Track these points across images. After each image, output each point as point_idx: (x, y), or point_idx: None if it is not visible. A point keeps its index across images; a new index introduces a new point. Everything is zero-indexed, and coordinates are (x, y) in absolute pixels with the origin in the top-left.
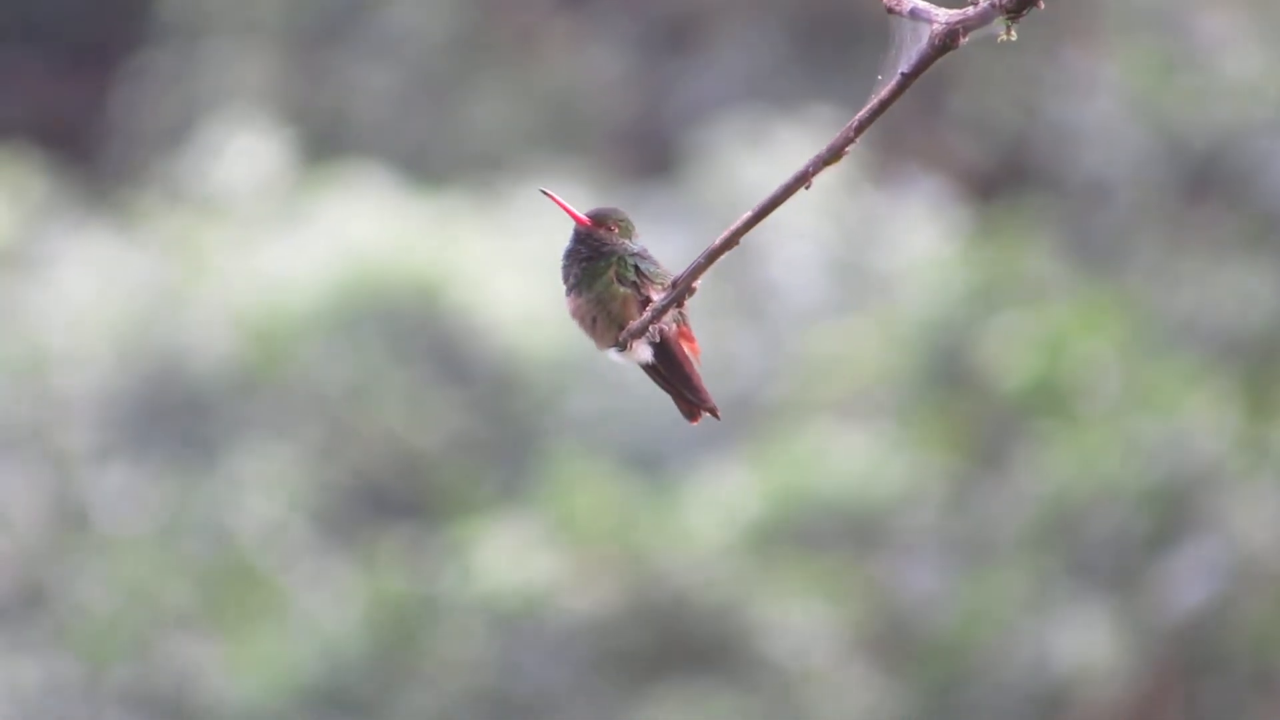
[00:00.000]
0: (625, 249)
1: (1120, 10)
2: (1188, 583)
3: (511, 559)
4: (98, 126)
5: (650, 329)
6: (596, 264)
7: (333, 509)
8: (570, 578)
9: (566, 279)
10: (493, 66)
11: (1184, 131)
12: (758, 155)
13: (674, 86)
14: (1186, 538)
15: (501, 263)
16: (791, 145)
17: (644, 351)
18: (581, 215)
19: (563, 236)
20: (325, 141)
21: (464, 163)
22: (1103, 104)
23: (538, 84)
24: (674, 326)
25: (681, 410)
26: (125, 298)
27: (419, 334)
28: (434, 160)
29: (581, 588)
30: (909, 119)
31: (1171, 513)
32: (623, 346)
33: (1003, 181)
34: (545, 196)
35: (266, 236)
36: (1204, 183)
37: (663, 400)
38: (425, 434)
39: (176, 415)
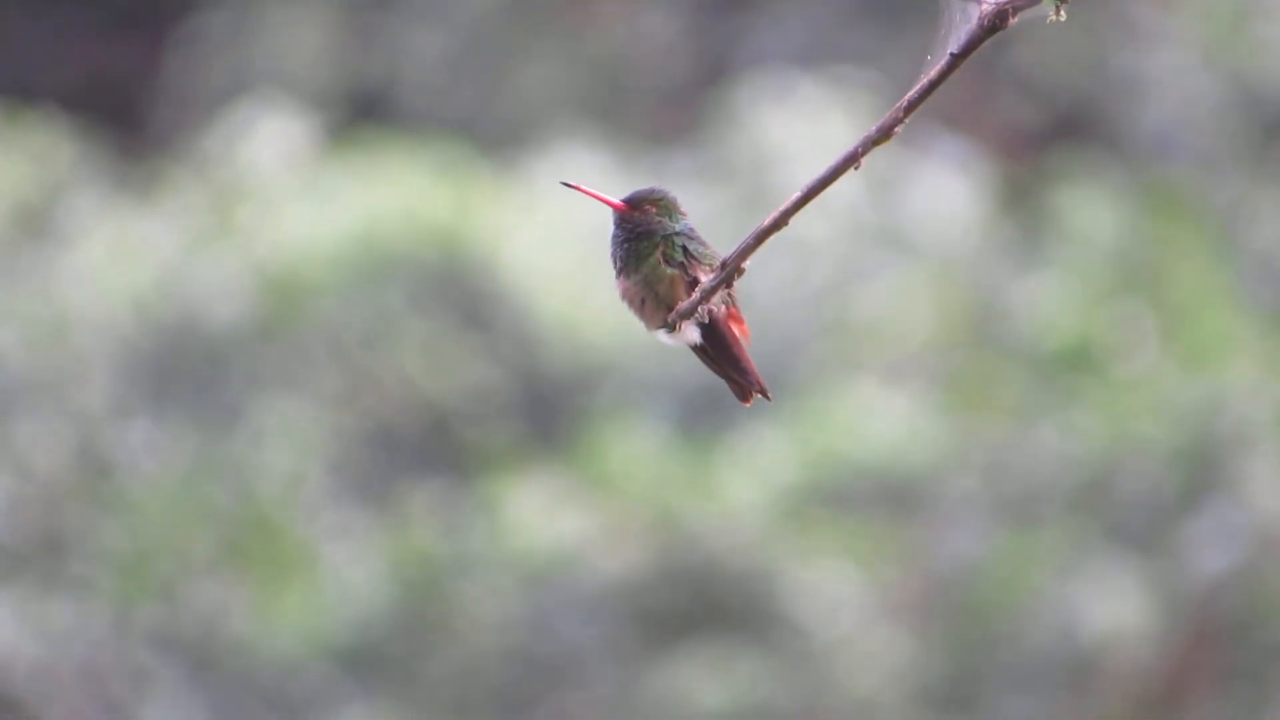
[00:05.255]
0: (668, 228)
1: None
2: (1210, 549)
3: (543, 516)
4: (147, 90)
5: (699, 310)
6: (641, 244)
7: (353, 461)
8: (602, 537)
9: (614, 262)
10: (545, 31)
11: (1257, 81)
12: (783, 114)
13: (726, 51)
14: (1211, 501)
15: (523, 226)
16: (818, 105)
17: (692, 333)
18: (616, 200)
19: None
20: (375, 106)
21: (510, 128)
22: (1174, 55)
23: (589, 48)
24: (723, 308)
25: (733, 391)
26: (146, 257)
27: (440, 286)
28: (482, 126)
29: (613, 547)
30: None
31: (1201, 473)
32: (671, 328)
33: (1050, 138)
34: (570, 188)
35: (290, 204)
36: (1277, 130)
37: (701, 367)
38: (447, 386)
39: (195, 369)
